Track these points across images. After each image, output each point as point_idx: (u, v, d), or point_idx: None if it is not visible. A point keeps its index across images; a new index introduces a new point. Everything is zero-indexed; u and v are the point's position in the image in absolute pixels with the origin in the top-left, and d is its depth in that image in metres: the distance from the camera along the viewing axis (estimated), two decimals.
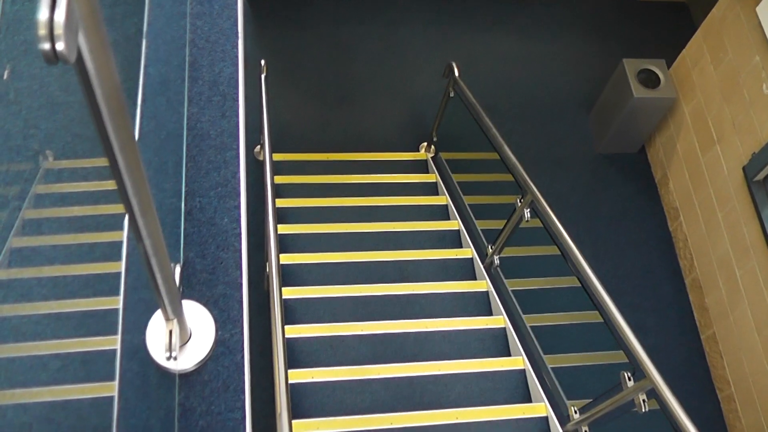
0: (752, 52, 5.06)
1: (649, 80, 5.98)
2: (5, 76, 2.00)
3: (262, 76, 5.13)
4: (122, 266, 2.59)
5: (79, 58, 1.08)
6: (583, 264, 3.67)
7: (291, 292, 4.51)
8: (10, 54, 2.14)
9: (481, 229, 5.20)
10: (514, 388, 4.27)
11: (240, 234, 2.77)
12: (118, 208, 2.54)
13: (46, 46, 0.86)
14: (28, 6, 2.35)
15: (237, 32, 3.33)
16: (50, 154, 2.30)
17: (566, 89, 7.02)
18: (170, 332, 2.16)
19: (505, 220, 4.56)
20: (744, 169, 5.13)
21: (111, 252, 2.62)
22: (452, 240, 5.35)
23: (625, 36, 7.42)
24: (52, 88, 2.38)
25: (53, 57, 0.88)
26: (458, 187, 5.69)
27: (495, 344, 4.50)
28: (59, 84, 2.40)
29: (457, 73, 5.18)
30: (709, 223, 5.61)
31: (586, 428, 3.83)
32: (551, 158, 6.52)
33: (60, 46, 0.87)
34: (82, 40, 1.02)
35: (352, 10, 7.13)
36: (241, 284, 2.68)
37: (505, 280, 4.76)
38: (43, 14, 0.83)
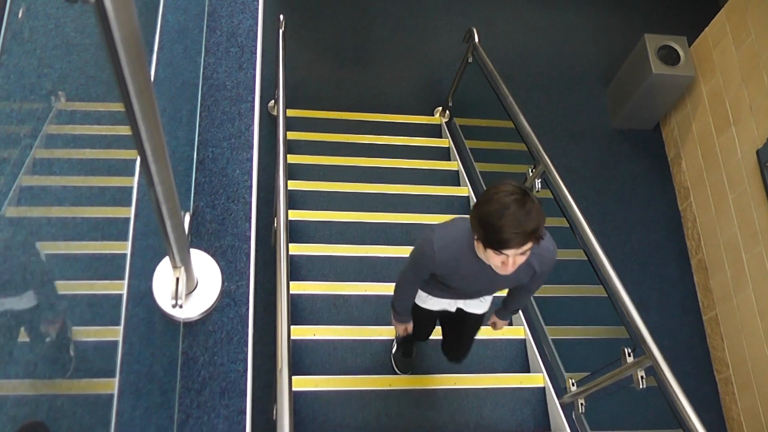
0: None
1: (669, 57, 5.93)
2: (20, 15, 1.98)
3: (280, 31, 5.09)
4: (132, 212, 2.59)
5: None
6: (591, 238, 3.66)
7: (297, 249, 4.52)
8: None
9: None
10: (514, 357, 4.29)
11: (251, 186, 2.77)
12: (130, 154, 2.55)
13: None
14: None
15: None
16: (63, 94, 2.30)
17: (585, 62, 6.96)
18: (177, 280, 2.17)
19: None
20: (758, 152, 5.09)
21: (121, 197, 2.62)
22: (461, 206, 5.34)
23: (648, 11, 7.34)
24: (67, 29, 2.36)
25: None
26: (470, 154, 5.67)
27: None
28: (75, 25, 2.39)
29: (477, 39, 5.14)
30: (719, 205, 5.58)
31: (583, 401, 3.85)
32: (566, 130, 6.48)
33: None
34: None
35: None
36: (250, 237, 2.69)
37: None
38: None
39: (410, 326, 3.39)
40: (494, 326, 3.55)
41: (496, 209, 2.33)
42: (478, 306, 3.35)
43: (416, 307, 3.31)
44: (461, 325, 3.56)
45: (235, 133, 2.87)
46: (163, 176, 1.62)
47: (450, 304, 3.31)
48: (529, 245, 2.38)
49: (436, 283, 3.02)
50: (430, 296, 3.23)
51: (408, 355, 4.08)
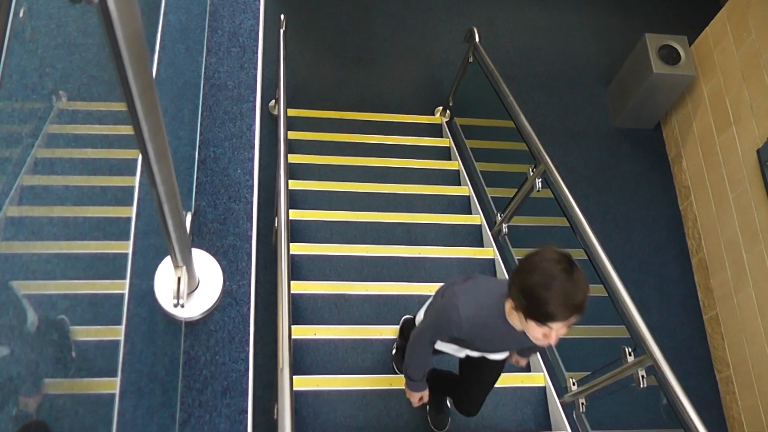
0: None
1: (670, 56, 5.93)
2: (21, 15, 1.98)
3: (281, 31, 5.09)
4: (133, 211, 2.60)
5: None
6: (592, 237, 3.66)
7: (298, 248, 4.52)
8: None
9: (492, 197, 5.19)
10: None
11: (252, 186, 2.77)
12: (132, 153, 2.55)
13: None
14: None
15: None
16: (64, 94, 2.30)
17: (586, 61, 6.96)
18: (179, 279, 2.17)
19: (516, 189, 4.55)
20: (758, 152, 5.09)
21: (123, 196, 2.63)
22: (462, 206, 5.34)
23: (649, 11, 7.34)
24: (69, 29, 2.37)
25: None
26: (471, 153, 5.67)
27: None
28: (77, 25, 2.39)
29: (477, 39, 5.14)
30: (720, 205, 5.59)
31: (583, 400, 3.85)
32: (566, 130, 6.48)
33: None
34: None
35: None
36: (251, 236, 2.69)
37: (512, 249, 4.76)
38: None
39: (426, 394, 3.07)
40: (517, 363, 3.35)
41: (542, 280, 2.17)
42: (497, 354, 3.11)
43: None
44: (479, 372, 3.26)
45: (237, 133, 2.88)
46: (165, 176, 1.63)
47: (459, 351, 3.03)
48: (574, 318, 2.23)
49: (454, 340, 2.81)
50: (445, 343, 2.96)
51: (441, 410, 3.78)
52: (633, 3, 7.39)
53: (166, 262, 2.50)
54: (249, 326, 2.55)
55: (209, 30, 3.14)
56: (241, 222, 2.70)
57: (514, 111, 4.48)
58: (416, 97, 6.46)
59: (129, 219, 2.61)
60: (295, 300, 4.19)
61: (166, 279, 2.44)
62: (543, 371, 4.13)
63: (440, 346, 3.00)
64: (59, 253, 2.09)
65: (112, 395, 2.30)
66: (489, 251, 4.87)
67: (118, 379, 2.33)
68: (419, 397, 3.07)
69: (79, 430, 2.04)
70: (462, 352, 3.05)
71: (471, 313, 2.53)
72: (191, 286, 2.49)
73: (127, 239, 2.56)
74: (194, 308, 2.51)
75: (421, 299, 4.34)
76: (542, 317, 2.21)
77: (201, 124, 2.87)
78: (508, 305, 2.41)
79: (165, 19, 3.14)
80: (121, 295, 2.43)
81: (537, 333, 2.30)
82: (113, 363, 2.32)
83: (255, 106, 2.99)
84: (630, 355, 3.35)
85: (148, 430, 2.32)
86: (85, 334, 2.25)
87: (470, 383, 3.36)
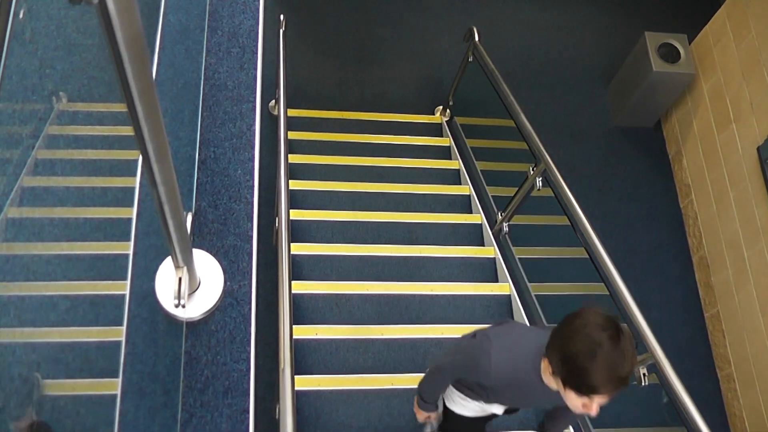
0: None
1: (670, 55, 5.92)
2: (21, 16, 1.99)
3: (281, 31, 5.09)
4: (134, 212, 2.60)
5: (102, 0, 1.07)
6: (593, 236, 3.66)
7: (299, 248, 4.52)
8: None
9: (492, 196, 5.19)
10: None
11: (253, 186, 2.77)
12: (132, 154, 2.56)
13: None
14: None
15: None
16: (64, 95, 2.30)
17: (586, 60, 6.95)
18: (179, 280, 2.17)
19: (517, 188, 4.54)
20: (759, 149, 5.09)
21: (123, 197, 2.63)
22: (462, 205, 5.34)
23: (648, 9, 7.34)
24: (69, 30, 2.37)
25: None
26: (471, 153, 5.67)
27: (499, 311, 4.51)
28: (77, 26, 2.39)
29: (477, 38, 5.14)
30: (721, 203, 5.58)
31: None
32: (567, 129, 6.47)
33: None
34: None
35: None
36: (252, 236, 2.70)
37: (513, 248, 4.76)
38: None
39: (433, 416, 2.93)
40: None
41: (586, 349, 1.93)
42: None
43: (456, 416, 2.88)
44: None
45: (237, 133, 2.88)
46: (166, 176, 1.63)
47: (498, 408, 2.83)
48: (617, 392, 1.99)
49: (480, 389, 2.57)
50: (472, 401, 2.77)
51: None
52: (633, 2, 7.39)
53: (167, 263, 2.50)
54: (250, 326, 2.55)
55: (209, 30, 3.14)
56: (241, 222, 2.71)
57: (514, 110, 4.48)
58: (416, 97, 6.46)
59: (130, 220, 2.61)
60: (296, 300, 4.19)
61: (167, 279, 2.45)
62: None
63: (466, 409, 2.87)
64: (60, 254, 2.09)
65: (114, 396, 2.30)
66: (490, 250, 4.87)
67: (119, 380, 2.34)
68: (426, 416, 2.94)
69: (81, 431, 2.04)
70: (499, 409, 2.87)
71: (503, 361, 2.30)
72: (192, 287, 2.49)
73: (128, 240, 2.57)
74: (195, 308, 2.51)
75: (422, 298, 4.37)
76: (583, 389, 1.99)
77: (201, 125, 2.87)
78: (545, 363, 2.18)
79: (165, 19, 3.14)
80: (122, 296, 2.43)
81: (576, 402, 2.06)
82: (114, 364, 2.33)
83: (255, 106, 3.00)
84: None
85: (150, 430, 2.32)
86: (87, 335, 2.25)
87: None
